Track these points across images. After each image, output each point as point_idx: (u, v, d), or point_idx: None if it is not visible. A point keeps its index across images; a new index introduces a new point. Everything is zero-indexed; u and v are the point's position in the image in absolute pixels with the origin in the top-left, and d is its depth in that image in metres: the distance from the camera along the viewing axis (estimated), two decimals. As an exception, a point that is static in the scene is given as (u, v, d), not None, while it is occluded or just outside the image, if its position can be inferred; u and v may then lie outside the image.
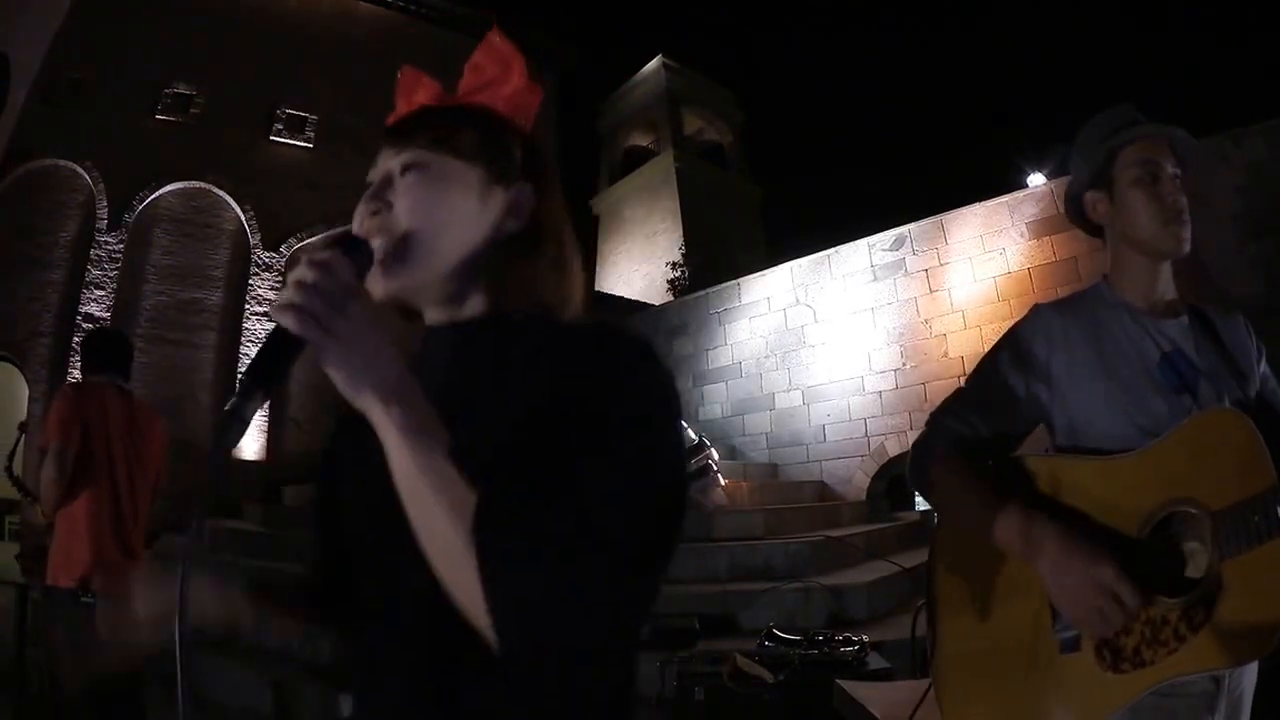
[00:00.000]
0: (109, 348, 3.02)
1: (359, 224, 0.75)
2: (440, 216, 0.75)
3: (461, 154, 0.77)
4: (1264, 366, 1.34)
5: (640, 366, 0.69)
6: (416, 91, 0.85)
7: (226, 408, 0.57)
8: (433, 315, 0.80)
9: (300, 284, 0.58)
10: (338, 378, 0.60)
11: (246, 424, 0.58)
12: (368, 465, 0.68)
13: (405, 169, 0.76)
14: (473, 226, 0.77)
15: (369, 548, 0.76)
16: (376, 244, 0.72)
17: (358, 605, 0.77)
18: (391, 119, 0.83)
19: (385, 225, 0.74)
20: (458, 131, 0.78)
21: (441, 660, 0.66)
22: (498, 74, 0.83)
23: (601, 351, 0.69)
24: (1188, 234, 1.29)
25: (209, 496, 0.58)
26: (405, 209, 0.74)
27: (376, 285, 0.73)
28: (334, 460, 0.85)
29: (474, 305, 0.79)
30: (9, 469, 3.30)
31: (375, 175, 0.78)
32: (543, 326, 0.75)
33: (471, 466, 0.60)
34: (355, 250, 0.67)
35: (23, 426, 3.64)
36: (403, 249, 0.73)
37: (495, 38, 0.84)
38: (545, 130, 12.21)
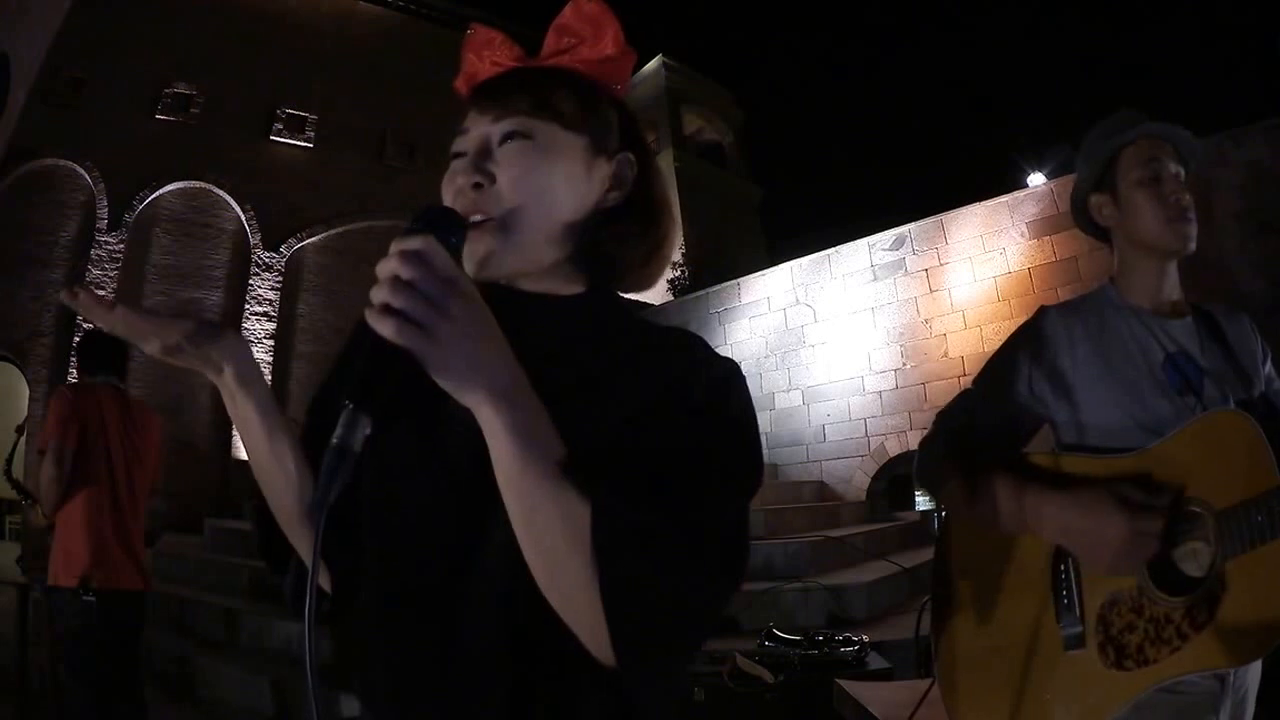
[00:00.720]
0: (105, 349, 3.01)
1: (452, 197, 0.68)
2: (549, 189, 0.69)
3: (565, 121, 0.71)
4: (1269, 367, 1.34)
5: (743, 389, 0.70)
6: (493, 49, 0.76)
7: (334, 442, 0.51)
8: (527, 285, 0.73)
9: (395, 281, 0.51)
10: (444, 381, 0.53)
11: (356, 456, 0.51)
12: (431, 462, 0.66)
13: (507, 136, 0.69)
14: (580, 198, 0.72)
15: (424, 548, 0.68)
16: (477, 219, 0.66)
17: (375, 606, 0.71)
18: (465, 80, 0.77)
19: (489, 200, 0.68)
20: (559, 97, 0.71)
21: (513, 665, 0.63)
22: (588, 35, 0.75)
23: (711, 368, 0.70)
24: (1193, 231, 1.30)
25: (318, 550, 0.50)
26: (511, 181, 0.68)
27: (483, 266, 0.68)
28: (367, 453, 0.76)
29: (571, 279, 0.74)
30: (8, 472, 3.31)
31: (468, 144, 0.71)
32: (639, 321, 0.75)
33: (578, 466, 0.58)
34: (448, 229, 0.58)
35: (20, 428, 3.64)
36: (512, 226, 0.67)
37: (594, 3, 0.75)
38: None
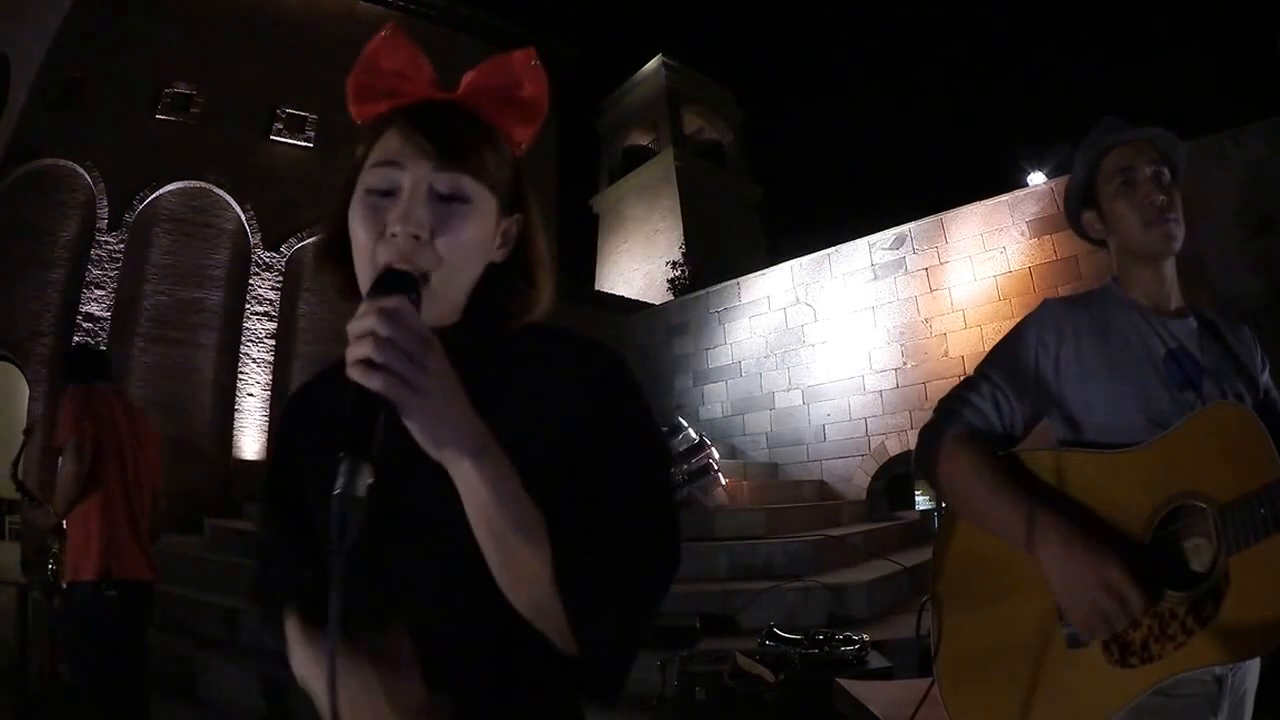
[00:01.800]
0: (94, 359, 3.16)
1: (376, 236, 0.69)
2: (475, 251, 0.73)
3: (490, 183, 0.74)
4: (1266, 377, 1.34)
5: (626, 381, 0.76)
6: (412, 66, 0.76)
7: (337, 492, 0.53)
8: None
9: (376, 338, 0.56)
10: (421, 434, 0.59)
11: (364, 502, 0.54)
12: (405, 495, 0.68)
13: (451, 197, 0.71)
14: (487, 256, 0.76)
15: (395, 569, 0.72)
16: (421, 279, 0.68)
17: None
18: (376, 90, 0.75)
19: (424, 254, 0.68)
20: (489, 157, 0.74)
21: (495, 666, 0.71)
22: (511, 82, 0.77)
23: (589, 367, 0.76)
24: (1174, 230, 1.30)
25: (339, 598, 0.53)
26: (450, 246, 0.69)
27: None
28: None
29: (453, 315, 0.76)
30: (14, 474, 3.33)
31: (403, 186, 0.70)
32: (513, 334, 0.79)
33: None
34: (412, 290, 0.63)
35: (28, 430, 3.72)
36: (441, 284, 0.70)
37: (530, 55, 0.78)
38: (545, 130, 12.18)
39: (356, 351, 0.56)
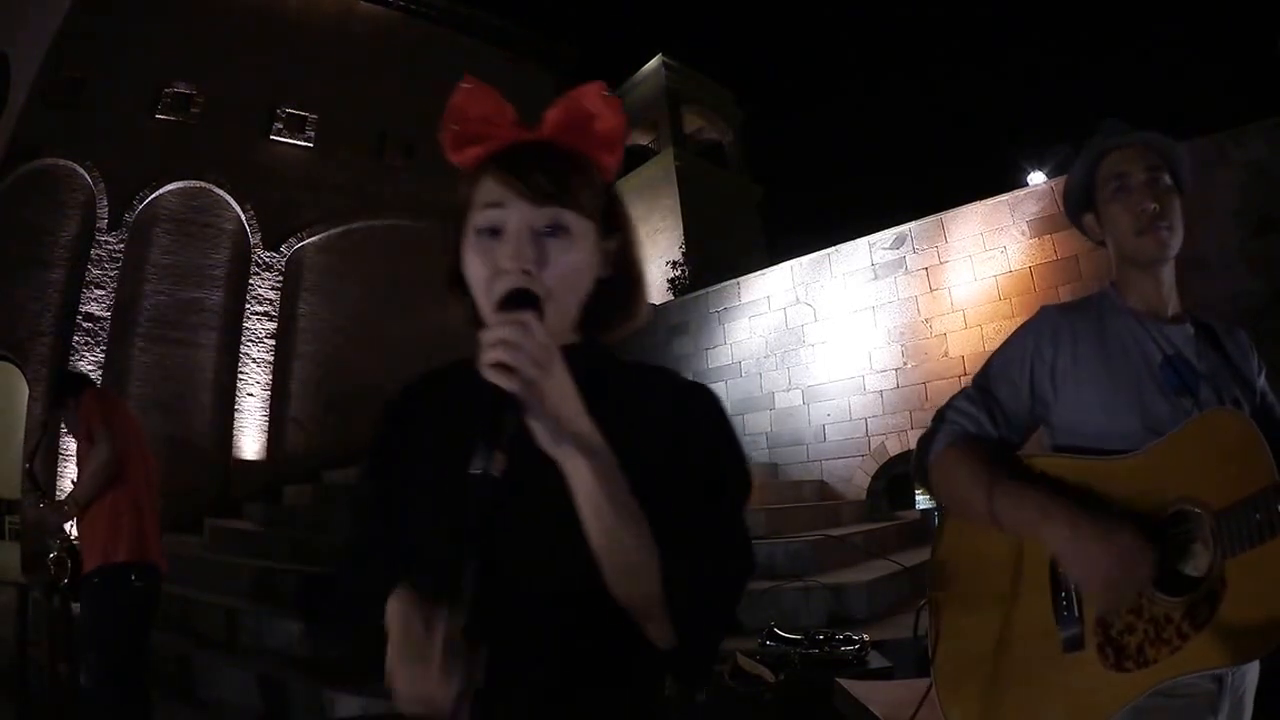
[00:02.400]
0: (78, 378, 3.33)
1: (491, 274, 0.77)
2: (579, 276, 0.81)
3: (586, 212, 0.81)
4: (1263, 382, 1.34)
5: (722, 412, 0.88)
6: (494, 114, 0.83)
7: (476, 473, 0.61)
8: None
9: (507, 344, 0.65)
10: (542, 431, 0.67)
11: (499, 482, 0.61)
12: (522, 493, 0.72)
13: (550, 231, 0.78)
14: (592, 278, 0.84)
15: (509, 558, 0.75)
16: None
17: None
18: (468, 137, 0.83)
19: (532, 286, 0.75)
20: (581, 188, 0.81)
21: (588, 653, 0.76)
22: (596, 117, 0.84)
23: (691, 399, 0.86)
24: (1166, 238, 1.30)
25: (474, 573, 0.62)
26: (556, 275, 0.78)
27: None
28: (428, 470, 0.83)
29: (568, 333, 0.85)
30: (30, 468, 3.40)
31: (509, 226, 0.78)
32: (621, 363, 0.89)
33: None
34: (535, 306, 0.71)
35: (45, 424, 3.80)
36: (551, 309, 0.76)
37: (598, 89, 0.84)
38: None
39: (492, 355, 0.65)
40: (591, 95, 0.83)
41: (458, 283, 0.85)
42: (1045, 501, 1.17)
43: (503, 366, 0.64)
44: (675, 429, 0.81)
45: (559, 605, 0.76)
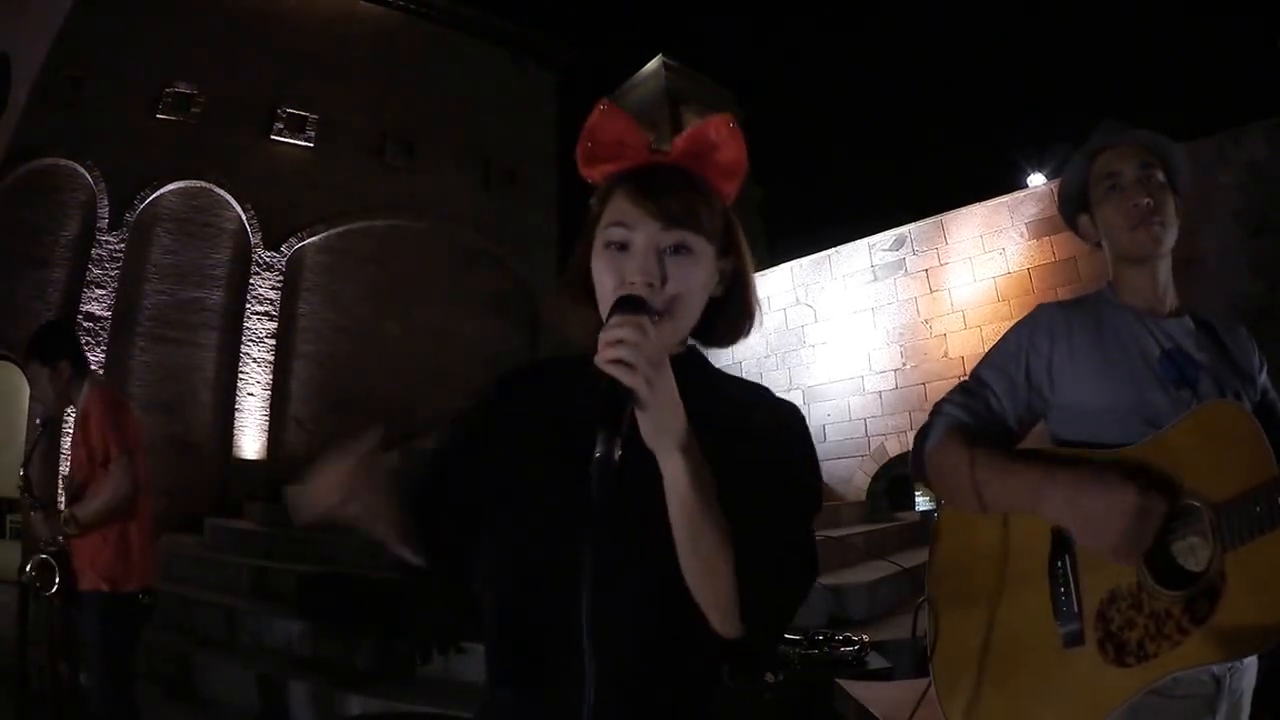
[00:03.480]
0: (67, 344, 2.99)
1: (617, 284, 0.84)
2: (699, 295, 0.88)
3: (708, 235, 0.87)
4: (1264, 378, 1.34)
5: (805, 428, 0.93)
6: (626, 136, 0.91)
7: (598, 456, 0.68)
8: None
9: (625, 343, 0.71)
10: (648, 425, 0.73)
11: (616, 466, 0.69)
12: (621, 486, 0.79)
13: (675, 249, 0.85)
14: (706, 295, 0.90)
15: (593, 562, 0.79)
16: (658, 319, 0.81)
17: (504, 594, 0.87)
18: (604, 158, 0.91)
19: (657, 298, 0.83)
20: (705, 212, 0.87)
21: (658, 641, 0.82)
22: (720, 146, 0.90)
23: (787, 418, 0.92)
24: (1158, 233, 1.30)
25: (591, 554, 0.73)
26: (680, 292, 0.85)
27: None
28: (535, 456, 0.90)
29: (680, 345, 0.92)
30: (26, 472, 3.05)
31: (636, 242, 0.85)
32: (717, 373, 0.96)
33: None
34: (648, 312, 0.77)
35: (45, 423, 3.51)
36: (671, 322, 0.85)
37: (725, 120, 0.91)
38: (546, 130, 12.22)
39: (612, 353, 0.71)
40: (719, 126, 0.91)
41: (580, 294, 0.92)
42: (1045, 468, 1.18)
43: (622, 363, 0.70)
44: (762, 440, 0.86)
45: (644, 590, 0.81)
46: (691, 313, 0.89)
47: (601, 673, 0.74)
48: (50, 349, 2.85)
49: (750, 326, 1.00)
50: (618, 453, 0.69)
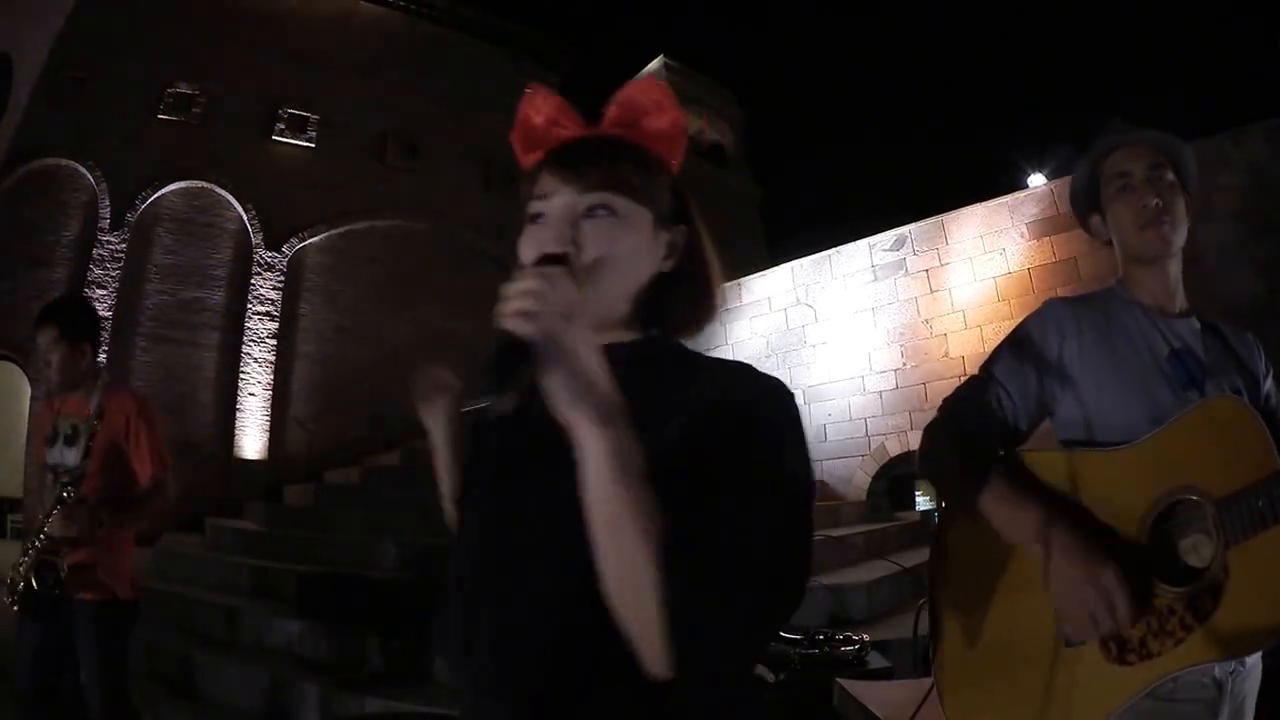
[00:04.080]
0: (96, 323, 2.85)
1: (536, 258, 0.76)
2: (624, 259, 0.78)
3: (636, 196, 0.79)
4: (1269, 384, 1.34)
5: (782, 402, 0.75)
6: (556, 114, 0.85)
7: (479, 404, 0.65)
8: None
9: (529, 292, 0.60)
10: (557, 391, 0.60)
11: (490, 425, 0.69)
12: (529, 474, 0.73)
13: (591, 210, 0.78)
14: (645, 265, 0.81)
15: (497, 551, 0.77)
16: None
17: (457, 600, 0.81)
18: (533, 141, 0.85)
19: (574, 266, 0.73)
20: (631, 171, 0.80)
21: (563, 672, 0.69)
22: (650, 111, 0.84)
23: (750, 385, 0.76)
24: (1168, 234, 1.30)
25: (455, 498, 0.78)
26: (597, 256, 0.76)
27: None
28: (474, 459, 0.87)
29: (632, 330, 0.83)
30: (60, 464, 2.68)
31: (551, 210, 0.79)
32: (695, 356, 0.83)
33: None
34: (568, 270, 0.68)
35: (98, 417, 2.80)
36: (596, 294, 0.75)
37: (653, 81, 0.85)
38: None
39: (513, 305, 0.60)
40: (647, 89, 0.84)
41: None
42: (1038, 521, 1.16)
43: (523, 314, 0.60)
44: (723, 422, 0.71)
45: (558, 595, 0.70)
46: (621, 281, 0.79)
47: (509, 689, 0.70)
48: (81, 326, 2.71)
49: (711, 307, 0.89)
50: (507, 406, 0.63)
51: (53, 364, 2.63)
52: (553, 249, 0.74)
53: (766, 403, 0.74)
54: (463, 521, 0.88)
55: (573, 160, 0.79)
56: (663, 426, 0.70)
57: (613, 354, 0.76)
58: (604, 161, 0.79)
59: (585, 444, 0.61)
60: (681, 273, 0.85)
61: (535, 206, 0.80)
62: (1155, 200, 1.30)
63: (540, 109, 0.85)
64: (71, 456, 2.50)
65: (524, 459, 0.77)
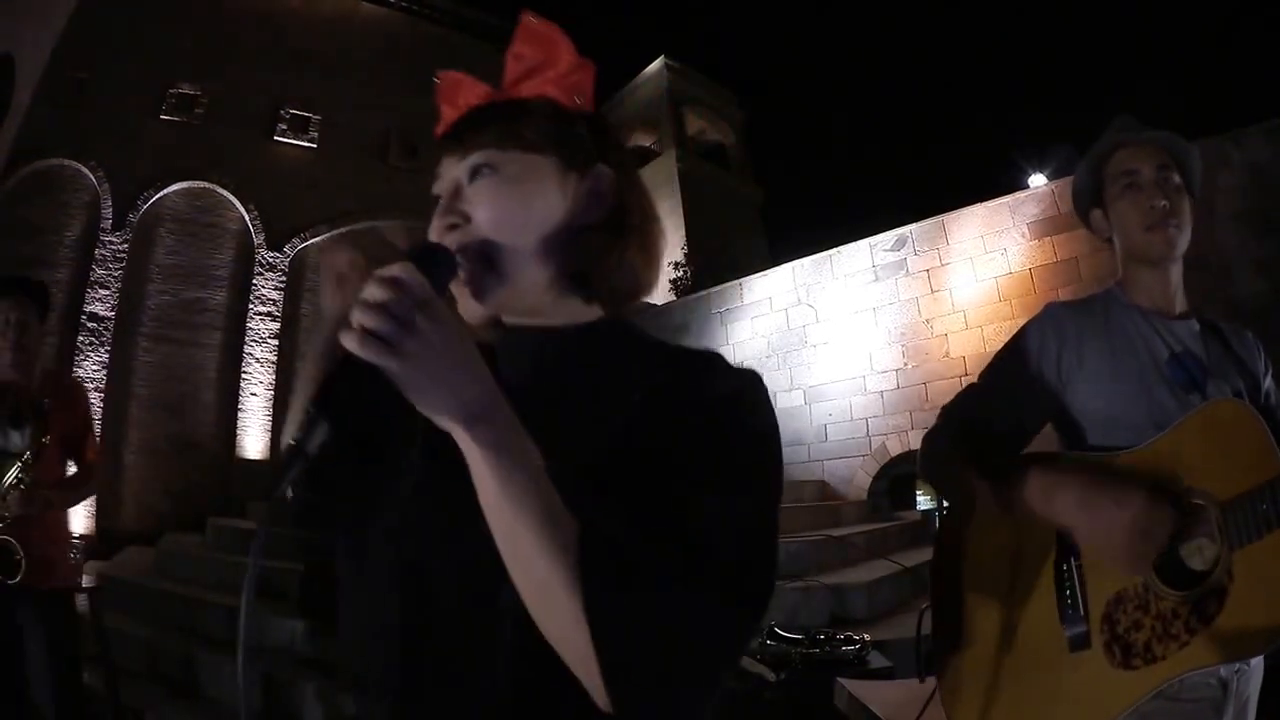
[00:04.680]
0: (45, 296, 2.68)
1: (435, 240, 0.69)
2: (521, 215, 0.69)
3: (529, 146, 0.71)
4: (1269, 383, 1.33)
5: (759, 401, 0.66)
6: (460, 94, 0.77)
7: (290, 440, 0.54)
8: (535, 320, 0.73)
9: (366, 304, 0.52)
10: (416, 400, 0.53)
11: (310, 458, 0.52)
12: (432, 490, 0.65)
13: (474, 173, 0.70)
14: (555, 218, 0.71)
15: (415, 581, 0.66)
16: (460, 260, 0.67)
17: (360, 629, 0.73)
18: (442, 126, 0.77)
19: (466, 239, 0.68)
20: (520, 124, 0.71)
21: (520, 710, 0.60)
22: (543, 58, 0.75)
23: (717, 379, 0.66)
24: (1174, 236, 1.29)
25: (264, 535, 0.58)
26: (485, 218, 0.68)
27: (473, 308, 0.70)
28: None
29: (575, 307, 0.74)
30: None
31: (441, 188, 0.72)
32: (655, 344, 0.72)
33: (563, 489, 0.55)
34: (432, 260, 0.60)
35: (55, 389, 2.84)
36: (491, 262, 0.68)
37: (530, 20, 0.75)
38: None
39: (352, 318, 0.52)
40: (527, 34, 0.75)
41: None
42: (1055, 476, 1.17)
43: (356, 329, 0.51)
44: (689, 413, 0.62)
45: (473, 634, 0.62)
46: (521, 239, 0.69)
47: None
48: (42, 302, 2.57)
49: (652, 260, 0.77)
50: (320, 440, 0.51)
51: (11, 340, 2.46)
52: (438, 225, 0.69)
53: (740, 395, 0.65)
54: (360, 551, 0.72)
55: (456, 131, 0.73)
56: (607, 420, 0.62)
57: (548, 339, 0.72)
58: (487, 123, 0.72)
59: (464, 448, 0.55)
60: (614, 224, 0.73)
61: (433, 190, 0.73)
62: (1163, 202, 1.29)
63: (450, 92, 0.78)
64: (16, 439, 2.39)
65: (434, 481, 0.66)
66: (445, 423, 0.54)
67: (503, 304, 0.71)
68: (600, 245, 0.72)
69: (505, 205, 0.69)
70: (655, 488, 0.58)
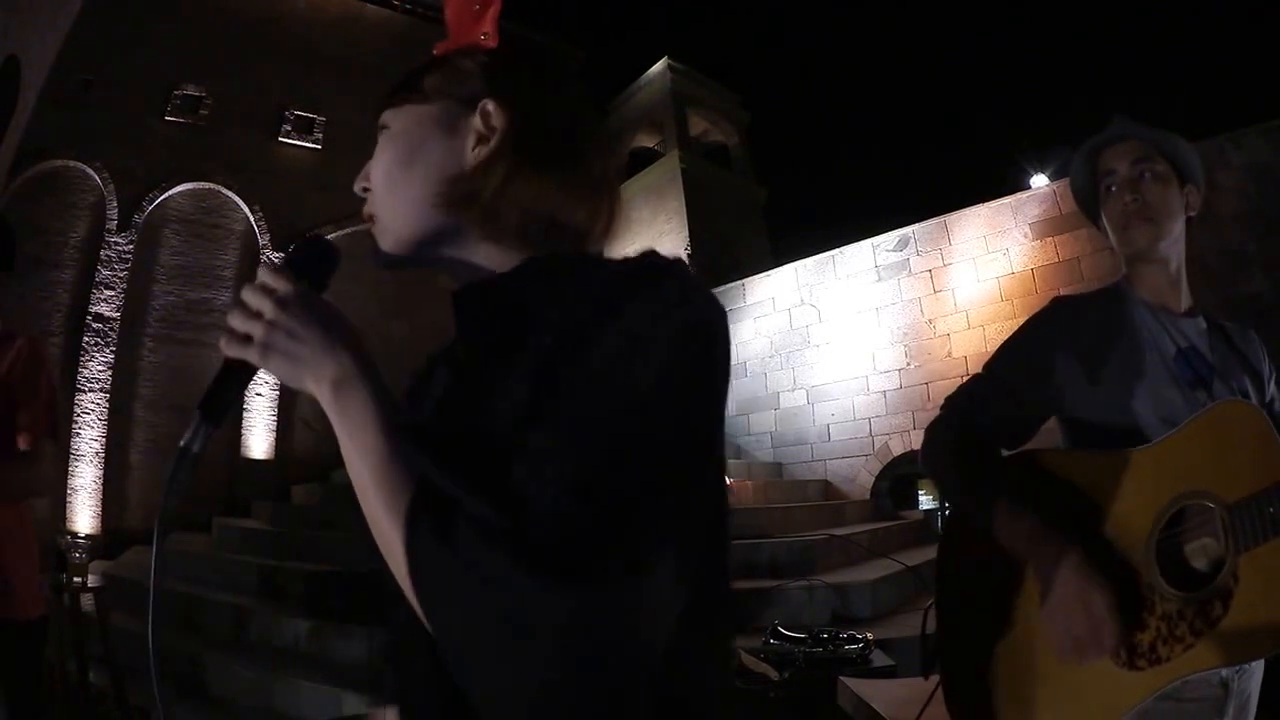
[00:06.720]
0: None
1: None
2: (406, 171, 0.68)
3: (419, 98, 0.70)
4: (1273, 387, 1.33)
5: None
6: None
7: (180, 444, 0.59)
8: (469, 276, 0.70)
9: (233, 310, 0.60)
10: (282, 380, 0.59)
11: (196, 459, 0.59)
12: None
13: (378, 141, 0.71)
14: (450, 168, 0.67)
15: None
16: (371, 226, 0.71)
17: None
18: None
19: (371, 206, 0.71)
20: (411, 81, 0.71)
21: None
22: (449, 15, 0.76)
23: (620, 288, 0.54)
24: (1149, 229, 1.29)
25: (165, 525, 0.61)
26: (377, 178, 0.69)
27: (380, 261, 0.72)
28: None
29: (487, 254, 0.68)
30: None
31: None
32: (591, 274, 0.59)
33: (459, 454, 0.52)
34: (305, 259, 0.67)
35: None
36: (385, 215, 0.69)
37: None
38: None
39: (230, 326, 0.61)
40: (452, 10, 0.75)
41: None
42: (1036, 532, 1.16)
43: (228, 335, 0.60)
44: (570, 329, 0.54)
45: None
46: (413, 195, 0.67)
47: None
48: (11, 253, 2.08)
49: (572, 186, 0.68)
50: (201, 440, 0.58)
51: None
52: (356, 191, 0.72)
53: (622, 293, 0.53)
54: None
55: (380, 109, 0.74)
56: (511, 374, 0.56)
57: (477, 292, 0.68)
58: (388, 92, 0.72)
59: (330, 417, 0.56)
60: (507, 155, 0.66)
61: None
62: (1131, 197, 1.30)
63: None
64: None
65: None
66: (313, 392, 0.58)
67: (402, 252, 0.70)
68: (496, 181, 0.66)
69: (390, 160, 0.69)
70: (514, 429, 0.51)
